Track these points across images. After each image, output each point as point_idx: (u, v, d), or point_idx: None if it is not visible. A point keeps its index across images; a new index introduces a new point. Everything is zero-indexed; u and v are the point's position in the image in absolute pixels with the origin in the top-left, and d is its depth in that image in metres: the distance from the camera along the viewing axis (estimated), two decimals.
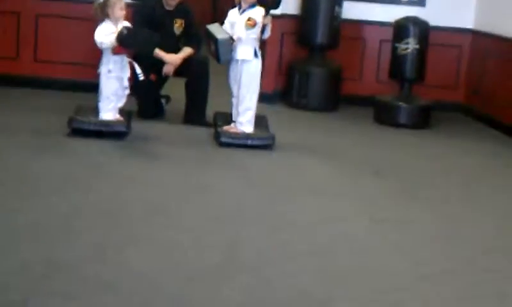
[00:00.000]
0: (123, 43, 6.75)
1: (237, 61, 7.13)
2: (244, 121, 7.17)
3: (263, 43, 7.61)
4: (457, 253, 5.03)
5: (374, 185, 6.41)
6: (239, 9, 7.18)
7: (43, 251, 4.42)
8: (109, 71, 6.93)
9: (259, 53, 7.18)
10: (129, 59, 7.01)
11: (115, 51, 6.84)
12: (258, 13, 7.05)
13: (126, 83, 7.01)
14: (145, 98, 7.79)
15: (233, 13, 7.25)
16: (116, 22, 6.90)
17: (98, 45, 6.88)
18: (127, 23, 6.97)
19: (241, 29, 7.06)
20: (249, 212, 5.48)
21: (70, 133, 6.91)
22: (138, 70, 7.01)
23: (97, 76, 7.04)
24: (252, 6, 7.08)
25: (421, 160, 7.43)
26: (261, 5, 7.03)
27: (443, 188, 6.52)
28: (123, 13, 6.95)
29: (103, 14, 6.92)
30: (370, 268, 4.65)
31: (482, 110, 9.32)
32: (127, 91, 7.07)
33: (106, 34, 6.82)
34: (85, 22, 8.44)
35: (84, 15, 8.48)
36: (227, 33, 7.12)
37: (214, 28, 7.28)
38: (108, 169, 6.17)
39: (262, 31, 7.08)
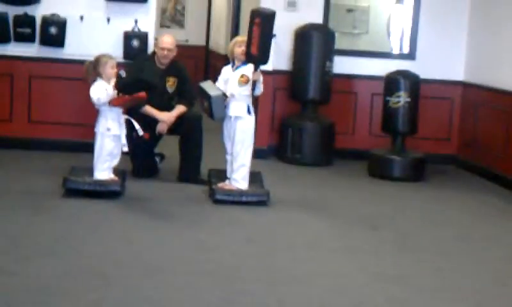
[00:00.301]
0: (123, 86, 6.79)
1: (231, 117, 7.17)
2: (239, 178, 7.17)
3: (255, 99, 7.65)
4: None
5: (370, 239, 6.40)
6: (232, 66, 7.24)
7: None
8: (108, 129, 6.94)
9: (252, 109, 7.21)
10: (126, 117, 7.04)
11: (113, 103, 6.86)
12: (251, 70, 7.10)
13: (124, 140, 7.02)
14: (139, 157, 7.79)
15: (226, 70, 7.31)
16: (108, 80, 6.94)
17: (95, 101, 6.90)
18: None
19: (234, 85, 7.12)
20: (246, 267, 5.45)
21: (65, 193, 6.90)
22: (137, 125, 7.04)
23: (92, 136, 7.05)
24: (245, 63, 7.14)
25: (416, 213, 7.42)
26: (249, 61, 7.08)
27: (438, 241, 6.50)
28: (114, 71, 7.00)
29: (95, 73, 6.97)
30: None
31: (475, 161, 9.35)
32: (125, 148, 7.06)
33: (101, 91, 6.85)
34: (77, 82, 8.49)
35: (76, 76, 8.54)
36: (220, 90, 7.16)
37: (207, 85, 7.32)
38: (103, 229, 6.14)
39: (253, 87, 7.11)
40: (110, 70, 6.97)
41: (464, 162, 9.63)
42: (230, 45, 7.38)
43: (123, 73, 6.83)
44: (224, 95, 7.10)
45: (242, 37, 7.40)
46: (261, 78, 7.09)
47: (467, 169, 9.48)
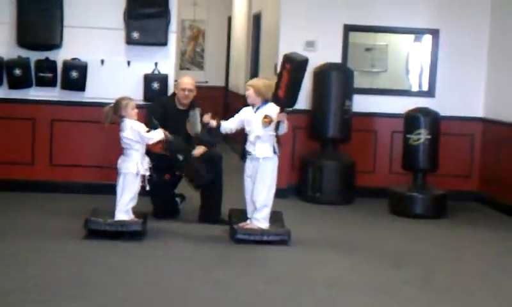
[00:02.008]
0: (169, 149, 7.04)
1: (257, 158, 7.16)
2: (261, 218, 7.17)
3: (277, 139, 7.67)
4: None
5: (393, 278, 6.35)
6: (253, 107, 7.26)
7: None
8: (137, 173, 7.00)
9: (277, 149, 7.23)
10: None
11: (154, 149, 7.04)
12: (273, 109, 7.13)
13: (146, 182, 7.08)
14: (160, 198, 7.81)
15: (247, 111, 7.33)
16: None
17: (146, 140, 7.01)
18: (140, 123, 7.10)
19: (258, 127, 7.13)
20: None
21: (87, 235, 6.92)
22: (145, 181, 7.11)
23: (112, 177, 7.09)
24: (265, 102, 7.17)
25: (438, 251, 7.37)
26: (276, 103, 7.12)
27: (463, 279, 6.44)
28: (135, 111, 7.09)
29: (117, 115, 7.04)
30: None
31: (497, 198, 9.29)
32: (147, 187, 7.11)
33: (144, 129, 6.97)
34: (98, 125, 8.54)
35: (96, 118, 8.59)
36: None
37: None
38: (125, 271, 6.14)
39: (277, 127, 7.14)
40: (131, 111, 7.06)
41: (486, 198, 9.57)
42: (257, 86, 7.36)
43: (171, 138, 7.00)
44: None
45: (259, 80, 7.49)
46: (285, 119, 7.12)
47: (489, 205, 9.42)
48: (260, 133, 7.13)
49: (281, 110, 7.08)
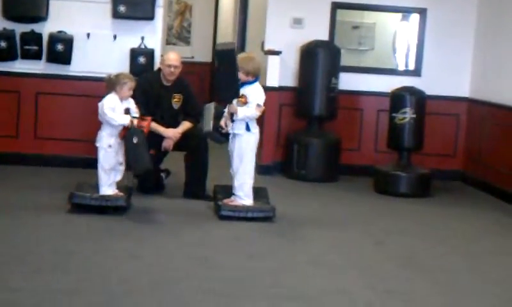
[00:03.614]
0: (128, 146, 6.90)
1: (234, 134, 7.19)
2: (242, 195, 7.19)
3: (261, 115, 7.65)
4: None
5: (376, 255, 6.39)
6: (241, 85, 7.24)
7: None
8: (110, 146, 6.98)
9: (253, 127, 7.21)
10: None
11: (120, 136, 6.97)
12: (254, 90, 7.12)
13: (121, 159, 7.04)
14: (145, 173, 7.80)
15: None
16: (121, 99, 6.99)
17: (107, 119, 6.93)
18: (130, 105, 7.04)
19: (234, 104, 7.12)
20: (251, 284, 5.44)
21: (71, 209, 6.91)
22: (135, 139, 7.05)
23: (96, 151, 7.08)
24: (250, 83, 7.15)
25: (421, 229, 7.41)
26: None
27: (445, 257, 6.49)
28: (130, 93, 7.06)
29: (111, 89, 7.01)
30: None
31: (481, 177, 9.34)
32: (122, 167, 7.09)
33: (113, 108, 6.90)
34: (83, 98, 8.55)
35: (82, 92, 8.60)
36: (211, 119, 7.21)
37: (207, 112, 7.33)
38: (109, 245, 6.15)
39: (231, 117, 7.13)
40: (127, 92, 7.03)
41: (469, 177, 9.62)
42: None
43: (135, 140, 6.86)
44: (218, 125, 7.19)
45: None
46: (237, 111, 7.06)
47: (473, 184, 9.48)
48: (235, 111, 7.11)
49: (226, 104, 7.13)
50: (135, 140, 6.84)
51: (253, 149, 7.23)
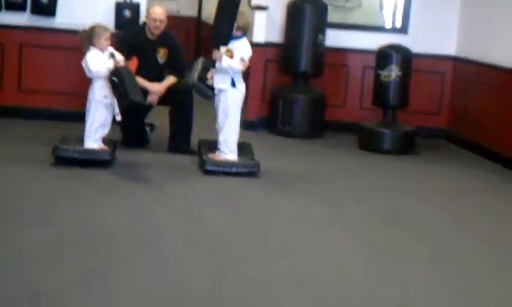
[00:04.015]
0: (113, 85, 6.81)
1: (218, 89, 7.16)
2: (227, 151, 7.19)
3: (247, 71, 7.63)
4: (444, 280, 5.03)
5: (359, 212, 6.42)
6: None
7: (28, 281, 4.39)
8: (105, 96, 6.94)
9: (238, 83, 7.19)
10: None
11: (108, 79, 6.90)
12: (241, 45, 7.09)
13: (117, 109, 7.00)
14: (129, 127, 7.78)
15: None
16: (101, 50, 6.94)
17: (94, 74, 6.89)
18: (113, 51, 6.99)
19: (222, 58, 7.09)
20: (235, 240, 5.47)
21: (55, 162, 6.89)
22: (116, 109, 7.01)
23: (82, 105, 7.04)
24: (238, 38, 7.10)
25: (407, 185, 7.46)
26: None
27: (427, 214, 6.53)
28: (108, 43, 7.00)
29: (88, 42, 6.95)
30: (357, 297, 4.65)
31: (465, 136, 9.37)
32: (119, 117, 7.05)
33: (99, 62, 6.84)
34: (68, 51, 8.47)
35: (67, 45, 8.51)
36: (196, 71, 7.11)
37: (195, 67, 7.26)
38: (92, 198, 6.15)
39: (213, 64, 7.09)
40: (104, 42, 6.97)
41: (454, 136, 9.65)
42: None
43: (115, 79, 6.78)
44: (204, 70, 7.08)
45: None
46: (221, 58, 7.02)
47: (457, 143, 9.51)
48: (222, 64, 7.08)
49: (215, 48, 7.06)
50: (120, 75, 6.79)
51: (238, 104, 7.22)
